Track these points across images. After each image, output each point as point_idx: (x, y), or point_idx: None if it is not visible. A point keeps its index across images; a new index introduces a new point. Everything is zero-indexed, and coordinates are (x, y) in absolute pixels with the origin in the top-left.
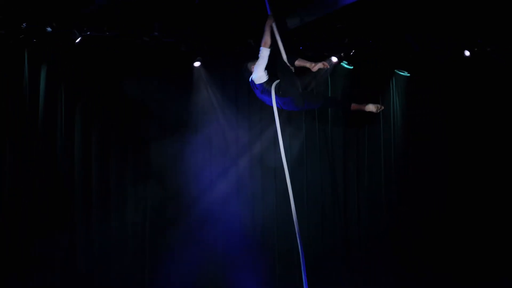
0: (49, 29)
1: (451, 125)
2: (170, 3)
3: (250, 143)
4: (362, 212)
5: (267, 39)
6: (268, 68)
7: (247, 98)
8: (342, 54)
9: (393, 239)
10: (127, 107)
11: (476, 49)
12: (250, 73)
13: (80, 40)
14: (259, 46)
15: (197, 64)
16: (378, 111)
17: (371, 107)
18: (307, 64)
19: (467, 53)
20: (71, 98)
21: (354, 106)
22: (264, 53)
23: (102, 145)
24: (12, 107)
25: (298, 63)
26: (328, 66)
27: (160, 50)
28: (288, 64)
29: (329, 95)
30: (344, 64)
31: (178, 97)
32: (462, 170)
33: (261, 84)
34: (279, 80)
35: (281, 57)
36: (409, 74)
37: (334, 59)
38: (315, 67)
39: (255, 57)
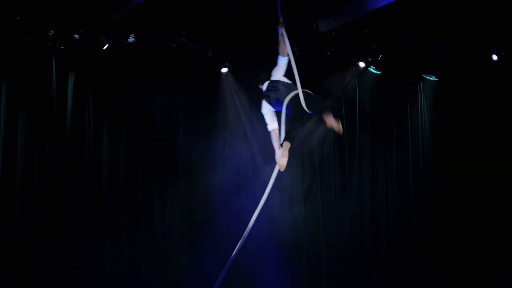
0: (76, 36)
1: (479, 128)
2: (198, 10)
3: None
4: (389, 214)
5: (282, 46)
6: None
7: None
8: (369, 59)
9: (423, 244)
10: (154, 112)
11: (504, 53)
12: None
13: (107, 47)
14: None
15: (224, 70)
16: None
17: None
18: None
19: (494, 57)
20: (99, 104)
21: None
22: (281, 61)
23: (130, 151)
24: (40, 114)
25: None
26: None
27: (188, 57)
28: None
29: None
30: (372, 69)
31: (205, 103)
32: (487, 175)
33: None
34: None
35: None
36: (436, 79)
37: (362, 64)
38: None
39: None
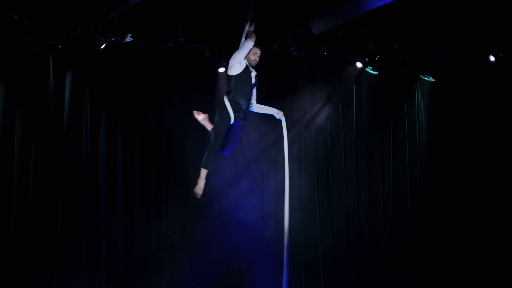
0: (74, 35)
1: (476, 129)
2: (195, 10)
3: (273, 146)
4: (386, 215)
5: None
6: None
7: (270, 102)
8: (366, 59)
9: (417, 242)
10: (151, 112)
11: (501, 54)
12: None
13: (104, 46)
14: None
15: (221, 70)
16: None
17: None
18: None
19: (492, 58)
20: (96, 104)
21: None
22: (249, 44)
23: (126, 149)
24: (37, 113)
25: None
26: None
27: (185, 56)
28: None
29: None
30: (369, 69)
31: (202, 102)
32: (486, 174)
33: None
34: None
35: None
36: (434, 80)
37: (359, 64)
38: None
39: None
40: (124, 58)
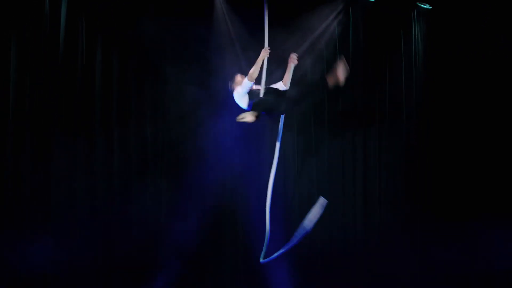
0: None
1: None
2: None
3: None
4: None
5: (254, 71)
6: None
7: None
8: None
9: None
10: (145, 41)
11: None
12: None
13: None
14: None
15: None
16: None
17: (340, 69)
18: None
19: None
20: (92, 30)
21: (329, 79)
22: (247, 84)
23: (122, 77)
24: (32, 40)
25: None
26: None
27: None
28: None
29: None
30: None
31: (197, 34)
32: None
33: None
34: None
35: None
36: (430, 7)
37: None
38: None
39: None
40: None
